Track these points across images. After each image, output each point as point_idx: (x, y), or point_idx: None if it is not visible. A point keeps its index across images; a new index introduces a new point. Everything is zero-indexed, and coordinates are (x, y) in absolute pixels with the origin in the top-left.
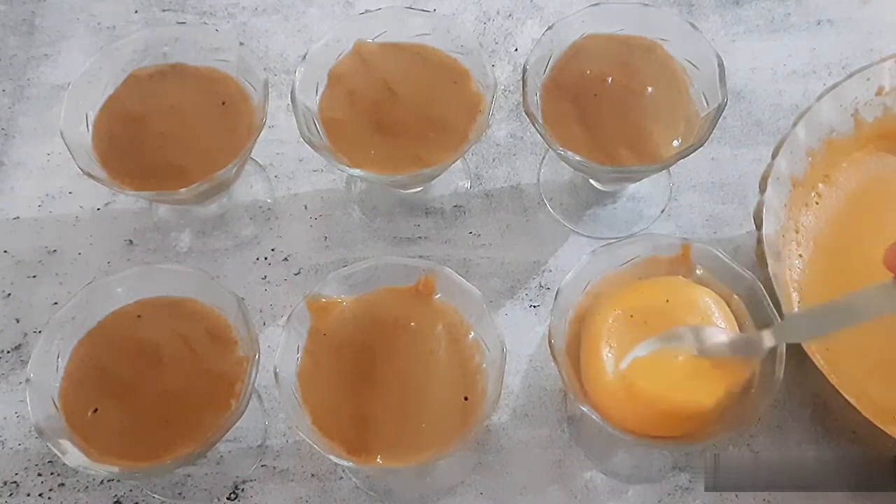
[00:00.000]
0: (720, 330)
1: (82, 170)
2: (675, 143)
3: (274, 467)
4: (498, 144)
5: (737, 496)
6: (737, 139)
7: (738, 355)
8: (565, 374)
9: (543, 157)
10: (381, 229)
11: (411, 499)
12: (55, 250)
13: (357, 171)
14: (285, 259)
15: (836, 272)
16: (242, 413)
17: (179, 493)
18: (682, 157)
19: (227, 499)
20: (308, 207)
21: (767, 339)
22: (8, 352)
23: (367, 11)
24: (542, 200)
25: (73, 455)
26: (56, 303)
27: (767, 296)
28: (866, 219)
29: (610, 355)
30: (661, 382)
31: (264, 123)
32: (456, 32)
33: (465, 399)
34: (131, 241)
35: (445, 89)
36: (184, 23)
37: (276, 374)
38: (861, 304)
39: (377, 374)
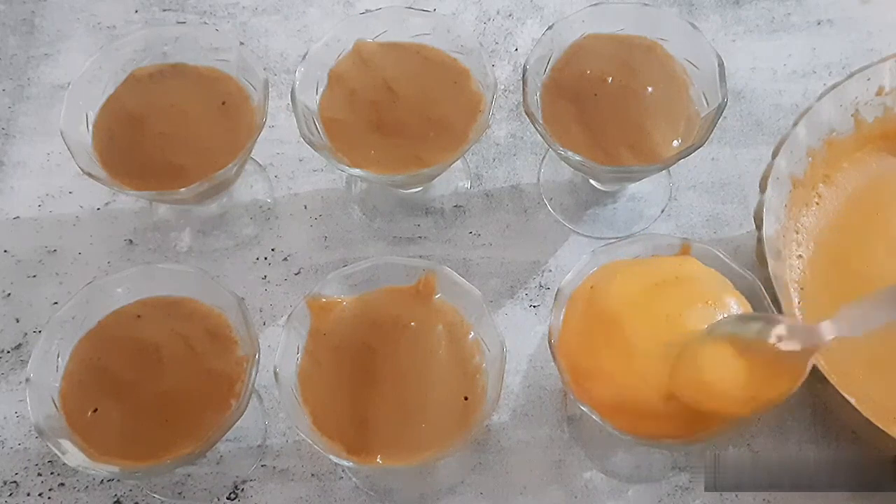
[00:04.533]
0: (788, 319)
1: (82, 170)
2: (675, 143)
3: (274, 467)
4: (498, 144)
5: (737, 496)
6: (737, 139)
7: (796, 345)
8: (565, 374)
9: (543, 157)
10: (381, 229)
11: (411, 499)
12: (55, 250)
13: (357, 171)
14: (285, 259)
15: (836, 272)
16: (242, 413)
17: (179, 493)
18: (682, 157)
19: (227, 499)
20: (308, 207)
21: (827, 330)
22: (8, 352)
23: (367, 11)
24: (542, 200)
25: (73, 455)
26: (56, 303)
27: (767, 296)
28: (867, 219)
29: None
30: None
31: (264, 123)
32: (456, 32)
33: (465, 399)
34: (131, 241)
35: (445, 89)
36: (184, 23)
37: (276, 374)
38: None
39: (377, 374)
